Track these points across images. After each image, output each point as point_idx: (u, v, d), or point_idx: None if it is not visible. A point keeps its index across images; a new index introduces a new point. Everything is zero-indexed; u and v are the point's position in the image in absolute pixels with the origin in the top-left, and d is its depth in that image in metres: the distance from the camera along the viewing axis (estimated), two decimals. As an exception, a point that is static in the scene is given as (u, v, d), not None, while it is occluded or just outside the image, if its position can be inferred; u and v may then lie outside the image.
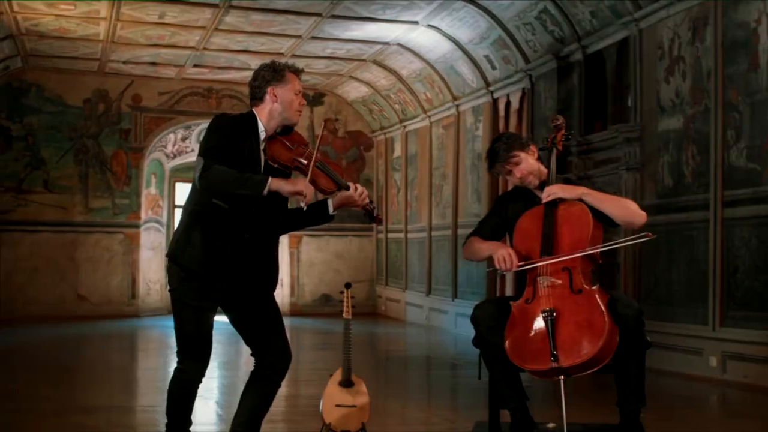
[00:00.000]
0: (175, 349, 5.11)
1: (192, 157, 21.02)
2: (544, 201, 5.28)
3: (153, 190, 20.17)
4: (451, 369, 12.03)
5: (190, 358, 5.05)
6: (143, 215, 19.59)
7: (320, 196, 5.12)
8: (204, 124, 19.73)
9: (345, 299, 6.45)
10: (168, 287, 5.11)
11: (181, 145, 20.63)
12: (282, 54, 16.85)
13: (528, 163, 5.50)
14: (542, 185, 5.47)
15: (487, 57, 14.78)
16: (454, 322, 16.29)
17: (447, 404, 9.05)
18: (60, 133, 18.88)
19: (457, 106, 16.58)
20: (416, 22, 14.67)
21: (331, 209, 5.08)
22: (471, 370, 10.95)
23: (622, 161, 11.20)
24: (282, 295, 20.16)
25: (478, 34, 14.39)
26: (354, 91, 19.93)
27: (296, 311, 19.86)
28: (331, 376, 6.30)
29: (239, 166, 4.76)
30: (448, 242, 16.78)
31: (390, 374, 11.62)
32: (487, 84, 15.24)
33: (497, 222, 5.62)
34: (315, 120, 20.44)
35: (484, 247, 5.44)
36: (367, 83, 18.97)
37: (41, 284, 18.45)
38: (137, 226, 19.41)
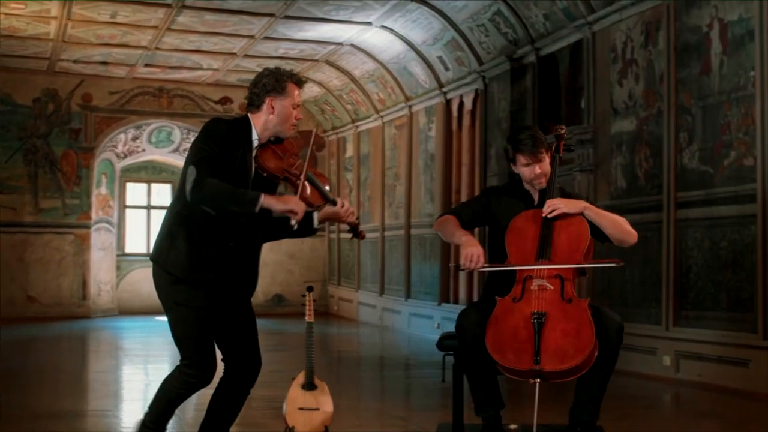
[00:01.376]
0: (179, 358, 4.97)
1: (143, 157, 20.95)
2: (545, 214, 5.26)
3: (103, 190, 20.00)
4: (405, 369, 12.07)
5: (197, 364, 4.90)
6: (94, 215, 19.43)
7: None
8: (155, 124, 19.70)
9: (307, 302, 6.48)
10: (156, 289, 4.98)
11: (131, 144, 20.48)
12: (235, 54, 16.84)
13: (546, 164, 5.47)
14: (541, 191, 5.49)
15: (440, 58, 14.84)
16: (407, 322, 16.35)
17: (403, 405, 9.07)
18: (9, 132, 18.68)
19: (410, 106, 16.64)
20: (370, 23, 14.69)
21: (315, 223, 5.00)
22: (425, 370, 11.07)
23: (575, 163, 11.30)
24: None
25: (431, 36, 14.45)
26: (306, 90, 19.79)
27: (248, 312, 19.74)
28: (293, 379, 6.32)
29: (230, 174, 4.70)
30: (401, 242, 16.83)
31: (344, 374, 11.64)
32: (441, 85, 15.31)
33: (480, 210, 5.59)
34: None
35: (457, 235, 5.42)
36: (320, 83, 18.96)
37: (-10, 286, 18.26)
38: (88, 227, 19.26)
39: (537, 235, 5.26)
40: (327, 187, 5.03)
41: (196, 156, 4.73)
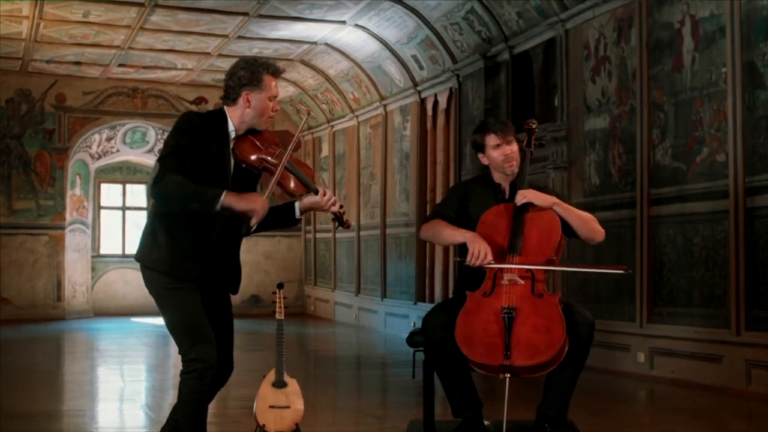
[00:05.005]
0: (178, 354, 4.80)
1: (117, 158, 20.87)
2: (517, 203, 5.24)
3: (78, 191, 19.89)
4: (382, 368, 12.06)
5: (197, 342, 4.68)
6: (68, 216, 19.30)
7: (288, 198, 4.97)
8: (130, 124, 19.61)
9: (277, 300, 6.42)
10: (147, 287, 4.84)
11: (106, 145, 20.38)
12: (209, 53, 16.78)
13: (516, 149, 5.43)
14: (512, 185, 5.46)
15: (414, 57, 14.83)
16: (383, 322, 16.33)
17: (378, 403, 9.06)
18: (-18, 133, 18.57)
19: (385, 105, 16.62)
20: (344, 22, 14.66)
21: (297, 213, 4.93)
22: (401, 369, 11.04)
23: (549, 160, 11.30)
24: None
25: (405, 34, 14.43)
26: (281, 90, 19.69)
27: (225, 312, 19.67)
28: (264, 377, 6.28)
29: (205, 167, 4.63)
30: (377, 242, 16.80)
31: (320, 374, 11.60)
32: (415, 84, 15.29)
33: (457, 207, 5.51)
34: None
35: (458, 234, 5.30)
36: (294, 83, 18.92)
37: (-37, 288, 18.12)
38: (62, 228, 19.14)
39: (508, 229, 5.23)
40: (309, 177, 4.86)
41: (163, 152, 4.66)
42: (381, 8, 13.76)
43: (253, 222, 4.61)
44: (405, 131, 15.88)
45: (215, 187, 4.57)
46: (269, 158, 4.74)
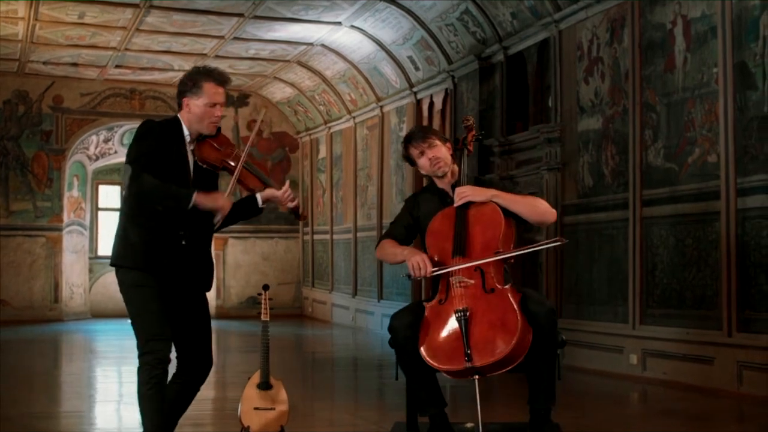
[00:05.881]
0: (136, 352, 4.98)
1: (115, 159, 20.83)
2: (456, 204, 5.29)
3: (75, 192, 19.88)
4: (378, 370, 12.03)
5: (151, 338, 4.90)
6: (65, 218, 19.31)
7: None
8: (127, 126, 19.60)
9: (263, 301, 6.42)
10: (119, 288, 5.04)
11: (103, 146, 20.37)
12: (205, 55, 16.75)
13: (442, 151, 5.47)
14: (454, 186, 5.47)
15: (410, 58, 14.81)
16: (380, 323, 16.28)
17: (373, 405, 9.02)
18: (-21, 135, 18.57)
19: (381, 107, 16.60)
20: (339, 23, 14.64)
21: (260, 202, 5.23)
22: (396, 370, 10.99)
23: (543, 161, 11.28)
24: (208, 297, 19.97)
25: (401, 35, 14.42)
26: (279, 92, 19.85)
27: (223, 314, 19.70)
28: (249, 378, 6.26)
29: (169, 169, 4.88)
30: (374, 243, 16.74)
31: (316, 376, 11.58)
32: (411, 85, 15.27)
33: (408, 222, 5.60)
34: (240, 121, 20.34)
35: (398, 252, 5.43)
36: (292, 84, 18.92)
37: (-40, 289, 18.11)
38: (59, 230, 19.14)
39: (453, 232, 5.26)
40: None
41: (132, 155, 4.90)
42: (376, 9, 13.74)
43: (218, 219, 5.00)
44: (401, 132, 15.84)
45: (178, 185, 4.90)
46: (227, 159, 5.11)
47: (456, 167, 5.56)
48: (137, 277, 4.92)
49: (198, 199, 4.83)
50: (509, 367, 4.90)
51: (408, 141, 5.56)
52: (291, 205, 5.20)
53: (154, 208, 4.87)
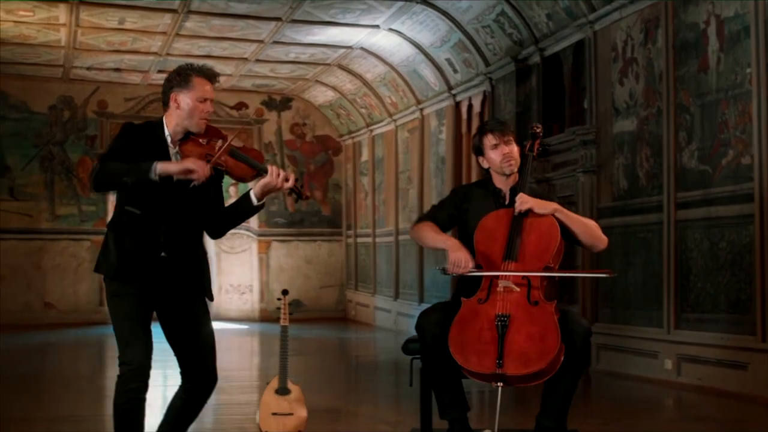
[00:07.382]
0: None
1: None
2: (516, 210, 5.17)
3: (119, 196, 20.00)
4: (419, 374, 11.95)
5: (127, 346, 4.73)
6: (110, 222, 19.41)
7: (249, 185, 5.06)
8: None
9: (282, 307, 6.42)
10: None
11: (148, 151, 20.49)
12: (246, 59, 16.82)
13: (515, 150, 5.39)
14: (513, 190, 5.38)
15: (448, 60, 14.75)
16: (421, 327, 16.22)
17: (414, 409, 8.98)
18: (25, 140, 18.79)
19: (421, 109, 16.56)
20: (377, 26, 14.63)
21: (254, 200, 4.90)
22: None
23: (578, 164, 11.18)
24: (252, 301, 20.12)
25: (438, 38, 14.37)
26: (321, 95, 19.88)
27: (266, 317, 19.73)
28: (267, 384, 6.26)
29: None
30: (415, 246, 16.71)
31: (360, 379, 11.55)
32: (450, 87, 15.21)
33: (453, 212, 5.48)
34: (283, 125, 20.40)
35: (440, 239, 5.31)
36: (333, 87, 18.93)
37: (7, 293, 18.28)
38: (104, 233, 19.21)
39: (506, 235, 5.14)
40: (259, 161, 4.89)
41: (102, 154, 4.80)
42: (413, 12, 13.70)
43: (197, 180, 4.65)
44: (441, 135, 15.81)
45: (160, 189, 4.68)
46: (213, 152, 4.78)
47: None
48: (114, 287, 4.78)
49: (163, 166, 4.60)
50: (535, 382, 4.82)
51: (487, 130, 5.42)
52: (287, 185, 4.82)
53: (133, 214, 4.74)
